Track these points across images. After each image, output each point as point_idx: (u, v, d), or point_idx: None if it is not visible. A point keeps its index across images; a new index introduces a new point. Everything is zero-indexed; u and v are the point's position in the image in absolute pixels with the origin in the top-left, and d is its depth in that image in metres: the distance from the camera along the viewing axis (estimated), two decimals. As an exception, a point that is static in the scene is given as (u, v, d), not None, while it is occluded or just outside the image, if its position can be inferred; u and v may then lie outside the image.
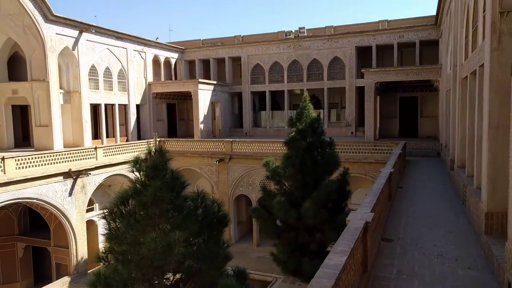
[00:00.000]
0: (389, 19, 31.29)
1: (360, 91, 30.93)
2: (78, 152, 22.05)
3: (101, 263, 7.82)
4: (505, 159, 7.18)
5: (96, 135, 27.29)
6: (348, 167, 18.15)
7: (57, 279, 22.52)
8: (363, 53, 30.82)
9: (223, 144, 26.84)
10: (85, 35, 25.25)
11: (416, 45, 28.16)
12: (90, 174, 22.35)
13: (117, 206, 7.56)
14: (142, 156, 8.06)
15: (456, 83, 13.91)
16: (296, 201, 17.35)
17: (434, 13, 28.16)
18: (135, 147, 26.23)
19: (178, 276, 8.28)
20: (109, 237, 7.55)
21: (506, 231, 7.14)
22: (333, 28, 32.94)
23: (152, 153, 7.82)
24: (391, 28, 28.96)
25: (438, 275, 6.79)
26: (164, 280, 8.03)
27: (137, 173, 7.98)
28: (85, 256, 22.67)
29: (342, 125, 31.28)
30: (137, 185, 7.59)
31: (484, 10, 9.12)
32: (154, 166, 7.42)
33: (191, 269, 7.93)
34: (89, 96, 25.88)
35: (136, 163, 7.92)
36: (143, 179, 7.40)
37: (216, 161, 26.39)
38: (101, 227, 25.28)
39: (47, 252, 24.34)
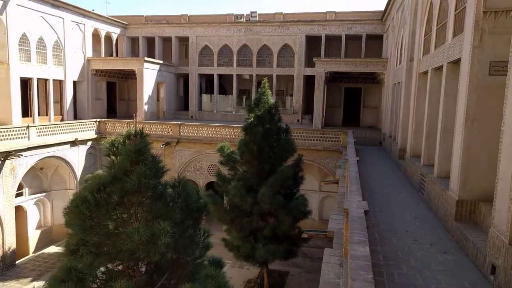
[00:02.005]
0: (337, 10, 32.15)
1: (307, 79, 31.59)
2: (7, 131, 19.67)
3: (68, 257, 6.99)
4: (478, 151, 7.68)
5: (26, 112, 24.55)
6: (302, 154, 18.44)
7: (-22, 271, 20.18)
8: (311, 43, 31.33)
9: (170, 127, 25.81)
10: (15, -1, 22.37)
11: (362, 38, 29.28)
12: (21, 155, 20.12)
13: (92, 194, 6.75)
14: (119, 138, 7.28)
15: (412, 77, 14.68)
16: (252, 187, 17.32)
17: (379, 9, 29.58)
18: (73, 127, 24.15)
19: (152, 267, 7.73)
20: (82, 227, 6.73)
21: (475, 217, 7.69)
22: (282, 15, 32.98)
23: (132, 136, 7.09)
24: (340, 19, 29.75)
25: (420, 260, 7.11)
26: (141, 272, 7.44)
27: (113, 157, 7.19)
28: (13, 245, 20.58)
29: (289, 113, 31.71)
30: (114, 170, 6.84)
31: (456, 9, 9.58)
32: (138, 150, 6.72)
33: (171, 260, 7.43)
34: (19, 68, 23.09)
35: (113, 145, 7.13)
36: (125, 163, 6.66)
37: (162, 145, 25.32)
38: (31, 213, 23.16)
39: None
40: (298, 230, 18.02)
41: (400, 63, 19.50)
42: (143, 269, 7.77)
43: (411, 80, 15.73)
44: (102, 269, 7.09)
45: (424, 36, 13.55)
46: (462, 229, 7.76)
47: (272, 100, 18.58)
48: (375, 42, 29.72)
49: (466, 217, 8.11)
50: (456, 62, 9.94)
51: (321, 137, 23.78)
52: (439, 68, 11.75)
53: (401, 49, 19.49)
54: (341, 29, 29.50)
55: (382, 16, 27.92)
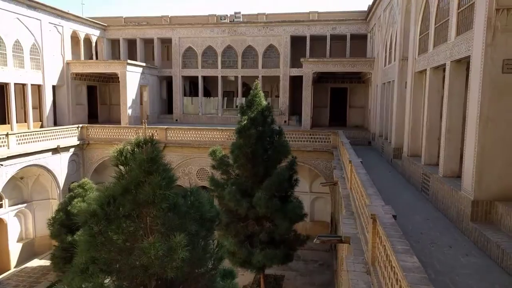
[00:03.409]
0: (320, 10, 32.18)
1: (293, 80, 31.48)
2: (-15, 140, 18.63)
3: (79, 275, 6.45)
4: (493, 150, 7.60)
5: (3, 119, 23.35)
6: (296, 156, 18.26)
7: (-43, 289, 19.01)
8: (296, 43, 31.23)
9: (156, 131, 25.11)
10: (-12, 0, 21.23)
11: (347, 38, 29.39)
12: (1, 165, 19.07)
13: (101, 207, 6.24)
14: (127, 147, 6.78)
15: (407, 76, 14.68)
16: (246, 191, 17.02)
17: (360, 8, 29.84)
18: (55, 134, 23.13)
19: (163, 281, 7.27)
20: (92, 244, 6.22)
21: (491, 217, 7.60)
22: (265, 15, 32.75)
23: (141, 144, 6.62)
24: (325, 19, 29.77)
25: (445, 263, 6.95)
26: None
27: (121, 167, 6.69)
28: (-6, 260, 19.48)
29: (276, 114, 31.20)
30: (125, 181, 6.35)
31: (459, 7, 9.54)
32: (152, 159, 6.26)
33: (186, 274, 7.00)
34: (-6, 73, 21.97)
35: (121, 154, 6.63)
36: (138, 173, 6.19)
37: (149, 150, 24.58)
38: (12, 225, 22.02)
39: None
40: (294, 233, 17.82)
41: (389, 63, 19.58)
42: (153, 283, 7.32)
43: (404, 79, 15.76)
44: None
45: (420, 35, 13.56)
46: (480, 230, 7.66)
47: (264, 101, 18.34)
48: (359, 41, 29.90)
49: (482, 218, 8.03)
50: (460, 61, 9.92)
51: (311, 138, 23.68)
52: (439, 67, 11.75)
53: (390, 48, 19.59)
54: (326, 29, 29.54)
55: (366, 16, 28.10)
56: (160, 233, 6.60)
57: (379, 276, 5.80)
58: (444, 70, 11.97)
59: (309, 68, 25.39)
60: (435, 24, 11.71)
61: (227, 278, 8.36)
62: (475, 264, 6.96)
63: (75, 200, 19.47)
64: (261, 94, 18.15)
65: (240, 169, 17.55)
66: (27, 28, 24.23)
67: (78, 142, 24.88)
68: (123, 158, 6.73)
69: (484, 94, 7.82)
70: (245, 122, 17.28)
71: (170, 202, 6.72)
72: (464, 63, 10.04)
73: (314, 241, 9.66)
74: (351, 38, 29.56)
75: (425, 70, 12.60)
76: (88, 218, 6.30)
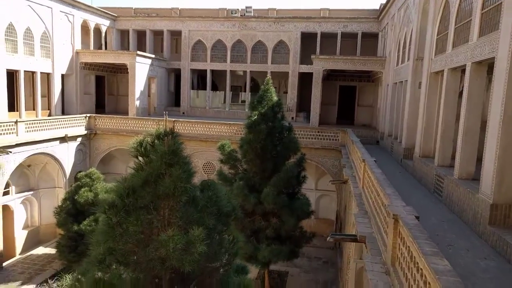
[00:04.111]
0: (330, 8, 31.93)
1: (301, 77, 31.31)
2: (-6, 126, 18.62)
3: (97, 267, 6.41)
4: (516, 154, 7.46)
5: (12, 106, 23.34)
6: (305, 153, 18.19)
7: (-38, 274, 19.10)
8: (305, 40, 31.01)
9: (164, 123, 25.02)
10: (1, -14, 21.12)
11: (358, 36, 29.16)
12: (10, 152, 19.08)
13: (121, 198, 6.18)
14: (147, 138, 6.71)
15: (423, 77, 14.53)
16: (254, 186, 17.00)
17: (372, 7, 29.57)
18: (63, 122, 23.13)
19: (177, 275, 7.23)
20: (110, 235, 6.17)
21: (511, 221, 7.49)
22: (276, 11, 32.53)
23: (161, 136, 6.55)
24: (337, 17, 29.53)
25: (464, 267, 6.87)
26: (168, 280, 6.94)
27: (141, 158, 6.62)
28: (0, 246, 19.57)
29: (284, 110, 31.29)
30: (145, 173, 6.29)
31: (483, 8, 9.39)
32: (173, 151, 6.19)
33: (202, 268, 6.96)
34: (5, 60, 21.88)
35: (140, 146, 6.56)
36: (159, 165, 6.12)
37: (156, 142, 24.54)
38: (18, 212, 22.08)
39: None
40: (300, 230, 17.81)
41: (402, 62, 19.40)
42: (167, 276, 7.29)
43: (418, 79, 15.61)
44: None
45: (437, 35, 13.39)
46: (499, 233, 7.57)
47: (275, 97, 18.24)
48: (370, 40, 29.68)
49: (501, 221, 7.94)
50: (481, 62, 9.78)
51: (319, 135, 23.57)
52: (457, 68, 11.61)
53: (403, 48, 19.39)
54: (337, 26, 29.30)
55: (378, 15, 27.85)
56: (178, 226, 6.56)
57: (400, 277, 5.73)
58: (462, 71, 11.84)
59: (319, 65, 25.22)
60: (455, 25, 11.55)
61: (240, 274, 8.33)
62: (495, 268, 6.87)
63: (82, 189, 19.51)
64: (272, 89, 18.07)
65: (249, 164, 17.52)
66: (38, 15, 24.14)
67: (85, 132, 24.88)
68: (142, 149, 6.68)
69: (510, 95, 7.69)
70: (255, 117, 17.21)
71: (190, 195, 6.68)
72: (485, 65, 9.89)
73: (328, 239, 9.60)
74: (362, 36, 29.33)
75: (442, 70, 12.45)
76: (107, 208, 6.25)
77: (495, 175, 7.96)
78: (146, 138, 6.78)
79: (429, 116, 13.87)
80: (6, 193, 21.03)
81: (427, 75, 13.97)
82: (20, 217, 22.46)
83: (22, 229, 22.64)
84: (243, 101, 34.06)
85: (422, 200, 11.59)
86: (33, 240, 22.82)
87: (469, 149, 10.04)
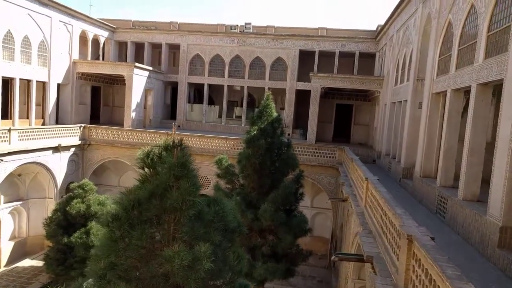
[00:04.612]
0: (328, 27, 32.31)
1: (298, 93, 31.42)
2: (-13, 134, 18.17)
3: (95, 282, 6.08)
4: (525, 176, 7.38)
5: (6, 114, 22.90)
6: (303, 170, 18.06)
7: None
8: (303, 58, 31.24)
9: (160, 136, 24.78)
10: (1, -7, 20.98)
11: (355, 55, 29.49)
12: (2, 160, 18.59)
13: (125, 211, 5.92)
14: (154, 149, 6.48)
15: (424, 97, 14.59)
16: (252, 202, 16.77)
17: (371, 28, 30.00)
18: (56, 132, 22.73)
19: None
20: (113, 249, 5.87)
21: (520, 245, 7.33)
22: (274, 28, 32.84)
23: (169, 147, 6.34)
24: (335, 36, 29.87)
25: (476, 291, 6.66)
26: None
27: (146, 170, 6.39)
28: (-13, 258, 18.86)
29: (282, 126, 31.28)
30: (152, 185, 6.04)
31: (488, 31, 9.47)
32: (183, 164, 5.98)
33: (205, 285, 6.66)
34: (1, 67, 21.58)
35: (147, 157, 6.33)
36: (168, 177, 5.89)
37: (151, 154, 24.18)
38: (5, 222, 21.41)
39: None
40: (296, 248, 17.50)
41: (401, 82, 19.55)
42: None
43: (419, 99, 15.68)
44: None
45: (439, 56, 13.51)
46: (509, 257, 7.42)
47: (275, 113, 18.20)
48: (367, 60, 30.02)
49: (510, 244, 7.80)
50: (487, 84, 9.81)
51: (316, 152, 23.49)
52: (460, 89, 11.66)
53: (402, 68, 19.57)
54: (335, 45, 29.63)
55: (376, 35, 28.25)
56: (183, 241, 6.29)
57: (415, 301, 5.51)
58: (465, 92, 11.89)
59: (317, 83, 25.34)
60: (458, 46, 11.65)
61: (243, 293, 8.02)
62: (507, 293, 6.69)
63: (74, 200, 19.00)
64: (272, 105, 18.06)
65: (246, 180, 17.32)
66: (37, 24, 23.99)
67: (79, 142, 24.48)
68: (149, 160, 6.45)
69: (518, 117, 7.67)
70: (254, 132, 17.10)
71: (197, 209, 6.44)
72: (490, 86, 9.93)
73: (332, 258, 9.35)
74: (359, 56, 29.66)
75: (445, 91, 12.50)
76: (110, 221, 5.97)
77: (504, 196, 7.86)
78: (153, 149, 6.57)
79: (430, 136, 13.87)
80: (-6, 203, 20.45)
81: (428, 95, 14.03)
82: (7, 227, 21.79)
83: (9, 240, 21.92)
84: (239, 116, 33.98)
85: (425, 221, 11.42)
86: (20, 251, 22.08)
87: (474, 170, 9.98)
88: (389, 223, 7.84)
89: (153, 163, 6.46)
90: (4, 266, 20.99)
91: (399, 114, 19.16)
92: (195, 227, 6.34)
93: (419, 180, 14.15)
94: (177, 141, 6.53)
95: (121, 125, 28.88)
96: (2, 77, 21.92)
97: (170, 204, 5.83)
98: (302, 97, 30.94)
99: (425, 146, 14.06)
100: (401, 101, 18.99)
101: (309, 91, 29.45)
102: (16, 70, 22.97)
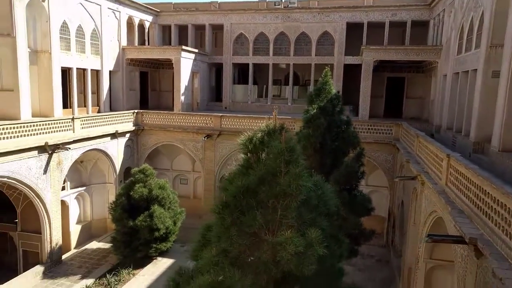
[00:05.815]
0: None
1: (346, 68, 30.38)
2: (53, 123, 18.95)
3: (209, 268, 6.13)
4: None
5: (65, 103, 23.78)
6: (364, 147, 17.49)
7: (24, 268, 19.63)
8: (349, 30, 30.00)
9: (211, 118, 24.93)
10: (55, -16, 21.41)
11: (407, 24, 27.93)
12: (69, 148, 19.39)
13: (235, 198, 5.86)
14: (258, 134, 6.32)
15: (503, 65, 13.51)
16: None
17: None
18: (113, 119, 23.40)
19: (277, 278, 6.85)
20: (225, 235, 5.86)
21: None
22: (317, 1, 31.65)
23: (271, 131, 6.16)
24: (384, 5, 28.37)
25: None
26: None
27: (250, 155, 6.27)
28: (60, 241, 20.05)
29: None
30: (261, 171, 5.92)
31: None
32: (291, 149, 5.79)
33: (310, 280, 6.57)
34: (60, 58, 22.26)
35: (250, 142, 6.20)
36: (278, 163, 5.74)
37: (204, 137, 24.48)
38: (72, 207, 22.53)
39: (7, 238, 21.13)
40: (359, 227, 17.19)
41: (467, 51, 18.28)
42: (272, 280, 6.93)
43: (493, 67, 14.61)
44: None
45: (523, 20, 12.37)
46: None
47: (334, 90, 17.68)
48: (418, 29, 28.33)
49: None
50: None
51: (371, 129, 22.76)
52: (553, 54, 10.63)
53: (468, 35, 18.26)
54: (385, 15, 28.16)
55: (430, 2, 26.50)
56: (290, 227, 6.18)
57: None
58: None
59: (370, 56, 24.30)
60: (551, 6, 10.55)
61: (340, 277, 7.93)
62: None
63: (137, 185, 19.63)
64: (331, 81, 17.53)
65: (307, 160, 17.03)
66: (88, 13, 24.44)
67: (133, 128, 25.11)
68: (252, 146, 6.31)
69: None
70: (314, 111, 16.71)
71: (306, 195, 6.28)
72: None
73: (425, 240, 8.99)
74: (411, 25, 28.05)
75: (532, 57, 11.46)
76: (221, 209, 5.94)
77: None
78: (257, 134, 6.41)
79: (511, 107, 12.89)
80: (62, 189, 21.47)
81: (509, 63, 12.95)
82: (74, 212, 22.98)
83: (76, 223, 23.13)
84: (279, 96, 33.49)
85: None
86: (86, 234, 23.30)
87: None
88: (495, 203, 7.36)
89: (256, 148, 6.33)
90: (74, 248, 22.25)
91: (465, 85, 18.00)
92: (302, 212, 6.21)
93: (498, 154, 13.28)
94: (279, 126, 6.36)
95: (169, 109, 29.29)
96: (61, 67, 22.62)
97: (280, 190, 5.70)
98: (351, 72, 29.91)
99: (505, 117, 13.10)
100: (467, 71, 17.80)
101: (357, 65, 28.43)
102: (73, 60, 23.66)
